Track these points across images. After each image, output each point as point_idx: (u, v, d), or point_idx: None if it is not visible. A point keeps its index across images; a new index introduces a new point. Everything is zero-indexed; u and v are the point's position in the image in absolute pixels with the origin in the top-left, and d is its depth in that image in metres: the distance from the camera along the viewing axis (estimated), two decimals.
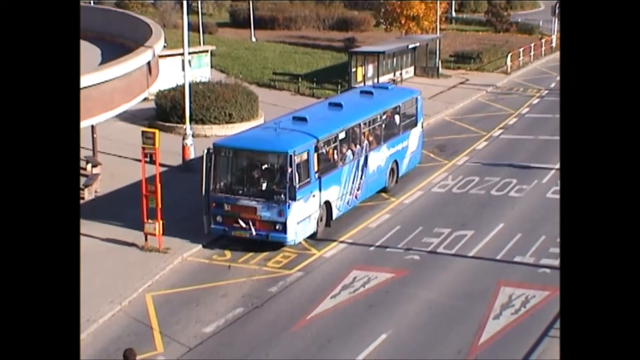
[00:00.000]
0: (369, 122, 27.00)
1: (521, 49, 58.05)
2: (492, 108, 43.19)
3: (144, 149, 22.26)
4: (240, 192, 22.69)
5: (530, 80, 51.76)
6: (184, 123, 30.95)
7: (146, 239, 22.47)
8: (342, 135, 24.92)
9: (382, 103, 28.59)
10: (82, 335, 17.66)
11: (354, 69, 45.32)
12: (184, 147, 30.08)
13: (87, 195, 26.67)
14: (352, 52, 47.45)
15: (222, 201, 22.56)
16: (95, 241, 22.84)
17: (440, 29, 57.35)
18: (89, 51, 28.50)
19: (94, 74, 21.75)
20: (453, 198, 27.70)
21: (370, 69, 45.82)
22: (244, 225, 22.32)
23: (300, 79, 46.51)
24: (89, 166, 28.96)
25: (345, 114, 26.51)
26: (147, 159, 22.29)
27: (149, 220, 22.21)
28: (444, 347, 17.40)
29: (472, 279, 20.95)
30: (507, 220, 25.25)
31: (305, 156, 22.72)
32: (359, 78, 45.18)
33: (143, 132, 22.68)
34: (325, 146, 24.10)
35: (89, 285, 20.19)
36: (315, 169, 23.21)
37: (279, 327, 18.39)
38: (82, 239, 22.70)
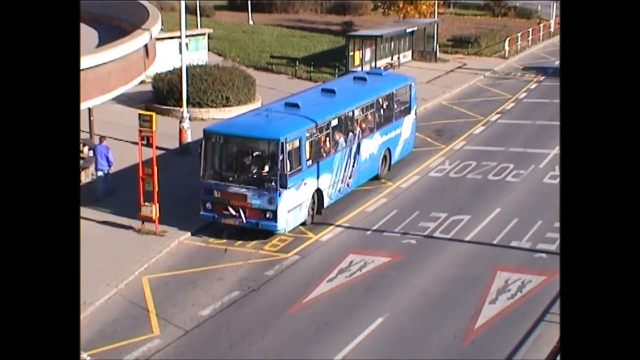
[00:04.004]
0: (362, 109, 26.62)
1: (519, 34, 57.98)
2: (489, 93, 43.17)
3: (140, 131, 22.24)
4: (231, 179, 22.37)
5: (528, 65, 51.70)
6: (181, 106, 30.89)
7: (143, 222, 22.47)
8: (334, 122, 24.58)
9: (375, 89, 28.25)
10: None
11: (351, 53, 45.18)
12: (181, 130, 30.03)
13: (84, 177, 26.63)
14: (349, 36, 47.29)
15: (212, 188, 22.34)
16: (92, 224, 22.81)
17: (438, 13, 57.29)
18: (85, 33, 28.36)
19: (91, 57, 21.63)
20: (450, 183, 27.70)
21: (368, 52, 45.72)
22: (234, 212, 22.06)
23: (297, 63, 46.40)
24: (85, 149, 28.92)
25: (338, 100, 26.10)
26: (144, 142, 22.26)
27: (146, 203, 22.19)
28: (440, 331, 17.44)
29: (469, 264, 20.97)
30: (504, 205, 25.26)
31: (297, 143, 22.37)
32: (357, 62, 45.05)
33: (140, 115, 22.65)
34: (318, 133, 23.71)
35: (85, 268, 20.10)
36: (307, 156, 22.89)
37: (275, 310, 18.41)
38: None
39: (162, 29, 30.90)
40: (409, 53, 51.10)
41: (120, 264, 20.40)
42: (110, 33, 27.00)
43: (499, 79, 47.34)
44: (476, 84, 45.69)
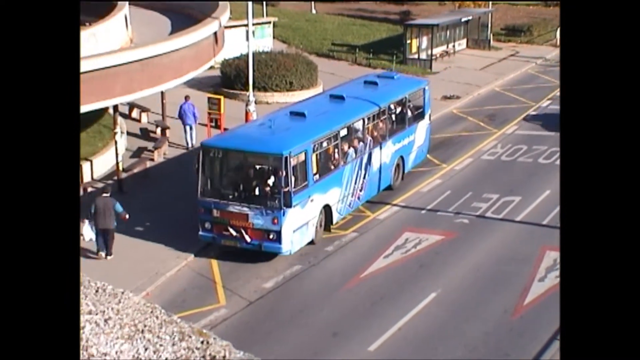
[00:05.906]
0: (373, 116, 23.56)
1: None
2: (541, 80, 42.58)
3: (209, 114, 22.51)
4: (231, 197, 19.59)
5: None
6: (247, 90, 31.03)
7: None
8: (343, 132, 21.82)
9: (387, 94, 25.04)
10: (151, 288, 18.03)
11: (408, 41, 44.92)
12: (247, 113, 30.18)
13: (157, 157, 27.01)
14: (407, 25, 46.98)
15: (211, 207, 19.57)
16: (163, 199, 23.15)
17: (493, 3, 56.56)
18: (159, 21, 28.76)
19: (165, 43, 21.96)
20: (502, 165, 27.48)
21: (425, 40, 45.37)
22: (234, 233, 19.36)
23: (357, 50, 46.27)
24: (158, 130, 29.32)
25: (347, 107, 23.18)
26: (213, 124, 22.52)
27: None
28: (490, 306, 17.37)
29: (519, 243, 20.82)
30: (554, 187, 24.96)
31: (302, 157, 19.53)
32: (414, 49, 44.81)
33: (209, 99, 22.94)
34: (325, 144, 20.98)
35: (157, 240, 20.55)
36: (314, 170, 20.17)
37: (334, 284, 18.52)
38: (152, 197, 23.08)
39: (230, 18, 31.14)
40: (464, 41, 50.62)
41: (189, 237, 20.64)
42: (182, 21, 27.30)
43: (550, 66, 46.64)
44: (528, 71, 45.09)
